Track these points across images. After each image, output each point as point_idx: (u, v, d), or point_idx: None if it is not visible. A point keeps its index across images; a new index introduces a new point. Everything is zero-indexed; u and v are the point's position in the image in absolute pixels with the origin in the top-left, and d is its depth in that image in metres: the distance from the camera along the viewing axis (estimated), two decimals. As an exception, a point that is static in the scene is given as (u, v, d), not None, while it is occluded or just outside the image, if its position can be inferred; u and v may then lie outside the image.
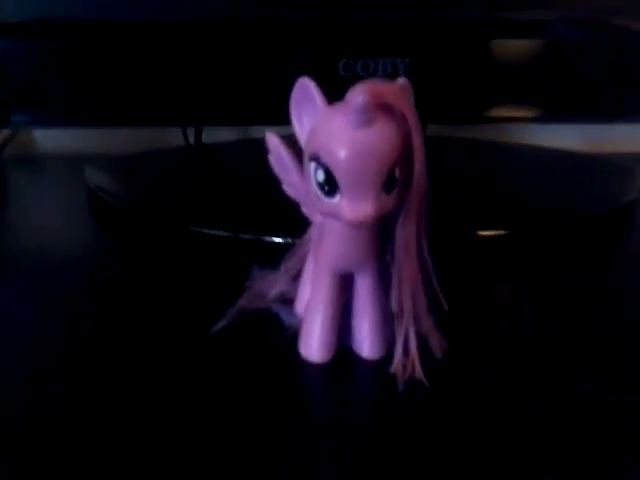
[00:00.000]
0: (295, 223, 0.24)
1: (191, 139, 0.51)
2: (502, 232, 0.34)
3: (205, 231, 0.34)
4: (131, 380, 0.22)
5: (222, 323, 0.25)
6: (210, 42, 0.34)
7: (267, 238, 0.32)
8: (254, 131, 0.57)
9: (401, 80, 0.20)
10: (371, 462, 0.18)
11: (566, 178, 0.45)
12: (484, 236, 0.34)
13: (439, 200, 0.38)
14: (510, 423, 0.20)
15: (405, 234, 0.20)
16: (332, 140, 0.18)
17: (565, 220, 0.36)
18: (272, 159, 0.23)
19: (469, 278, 0.31)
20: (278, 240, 0.32)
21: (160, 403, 0.21)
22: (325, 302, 0.23)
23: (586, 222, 0.37)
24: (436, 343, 0.22)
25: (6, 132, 0.54)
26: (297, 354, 0.23)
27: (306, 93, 0.20)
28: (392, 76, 0.33)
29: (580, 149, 0.55)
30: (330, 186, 0.19)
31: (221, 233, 0.33)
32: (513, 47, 0.35)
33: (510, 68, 0.35)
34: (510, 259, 0.33)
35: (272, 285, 0.26)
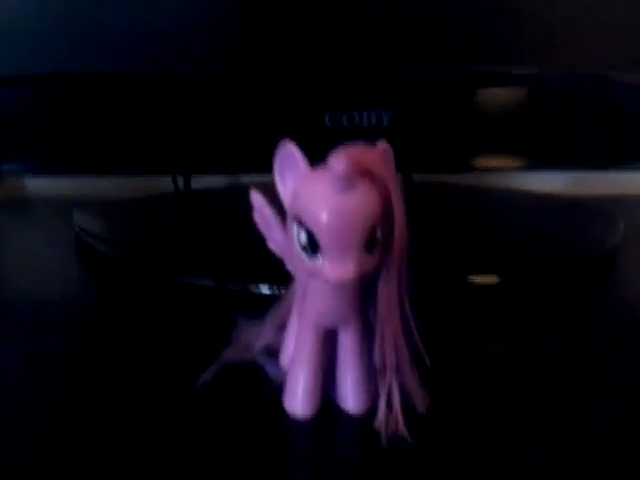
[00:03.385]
0: (283, 273, 0.25)
1: (181, 185, 0.51)
2: (488, 280, 0.34)
3: (193, 281, 0.34)
4: (112, 433, 0.22)
5: (207, 377, 0.25)
6: (198, 94, 0.35)
7: (255, 288, 0.33)
8: (243, 177, 0.57)
9: (381, 145, 0.20)
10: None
11: (553, 223, 0.46)
12: (472, 284, 0.34)
13: (422, 246, 0.39)
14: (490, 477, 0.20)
15: (387, 291, 0.20)
16: (314, 204, 0.19)
17: (550, 267, 0.36)
18: (256, 217, 0.23)
19: (455, 328, 0.31)
20: (266, 291, 0.32)
21: (142, 458, 0.21)
22: (309, 357, 0.23)
23: (569, 268, 0.37)
24: (419, 399, 0.22)
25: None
26: (282, 408, 0.23)
27: (289, 157, 0.20)
28: (376, 127, 0.34)
29: (562, 191, 0.56)
30: (312, 247, 0.19)
31: (209, 283, 0.34)
32: (496, 98, 0.36)
33: (494, 118, 0.36)
34: (499, 307, 0.33)
35: (258, 337, 0.27)
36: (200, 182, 0.52)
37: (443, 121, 0.36)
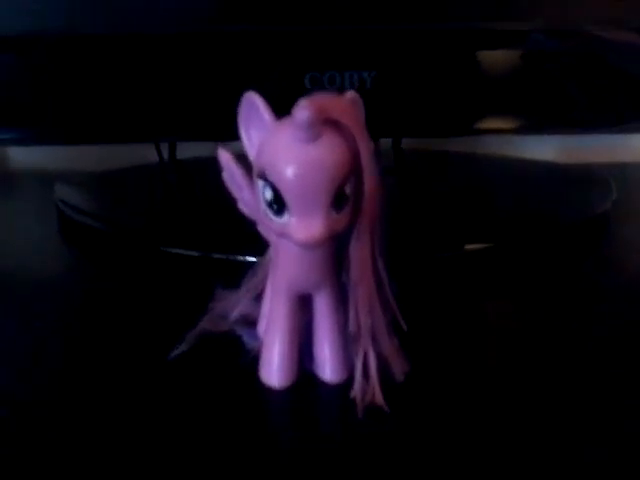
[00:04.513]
0: (264, 242, 0.24)
1: (165, 155, 0.50)
2: (479, 246, 0.33)
3: (175, 251, 0.33)
4: (89, 403, 0.22)
5: (182, 347, 0.24)
6: (180, 57, 0.33)
7: (239, 257, 0.31)
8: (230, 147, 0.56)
9: (350, 93, 0.19)
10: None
11: (544, 189, 0.45)
12: (465, 250, 0.33)
13: (414, 214, 0.38)
14: (474, 449, 0.19)
15: (359, 253, 0.19)
16: (277, 157, 0.17)
17: (544, 231, 0.35)
18: (225, 176, 0.22)
19: (445, 295, 0.30)
20: (251, 259, 0.31)
21: (115, 429, 0.20)
22: (282, 326, 0.22)
23: (563, 232, 0.36)
24: (398, 366, 0.21)
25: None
26: (258, 378, 0.22)
27: (253, 107, 0.19)
28: (359, 89, 0.33)
29: (554, 160, 0.55)
30: (278, 205, 0.18)
31: (192, 253, 0.33)
32: (485, 58, 0.35)
33: (482, 79, 0.35)
34: (489, 273, 0.33)
35: (234, 306, 0.26)
36: (184, 153, 0.51)
37: (429, 83, 0.34)
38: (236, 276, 0.26)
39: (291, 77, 0.33)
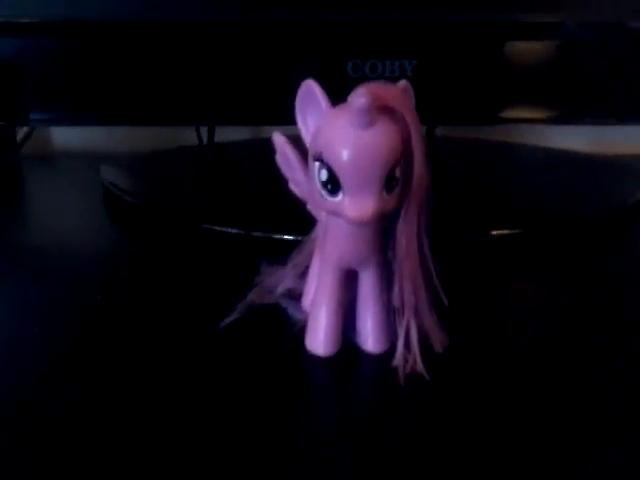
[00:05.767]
0: (304, 221, 0.25)
1: (205, 139, 0.52)
2: (510, 231, 0.34)
3: (217, 229, 0.35)
4: (140, 373, 0.23)
5: (231, 317, 0.26)
6: (223, 43, 0.35)
7: (277, 235, 0.33)
8: (266, 131, 0.57)
9: (402, 83, 0.20)
10: (372, 455, 0.19)
11: (575, 179, 0.46)
12: (495, 235, 0.34)
13: (447, 200, 0.39)
14: (509, 420, 0.21)
15: (406, 232, 0.21)
16: (335, 140, 0.19)
17: (573, 220, 0.36)
18: (278, 158, 0.24)
19: (477, 277, 0.31)
20: (288, 237, 0.33)
21: (169, 395, 0.22)
22: (330, 298, 0.23)
23: (594, 222, 0.37)
24: (437, 339, 0.23)
25: (24, 131, 0.55)
26: (304, 348, 0.24)
27: (311, 95, 0.20)
28: (400, 77, 0.34)
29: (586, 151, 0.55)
30: (333, 185, 0.20)
31: (233, 231, 0.34)
32: (521, 49, 0.36)
33: (519, 69, 0.36)
34: (519, 258, 0.34)
35: (280, 281, 0.27)
36: (223, 137, 0.53)
37: (466, 72, 0.35)
38: (275, 253, 0.27)
39: (334, 64, 0.34)
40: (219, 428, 0.20)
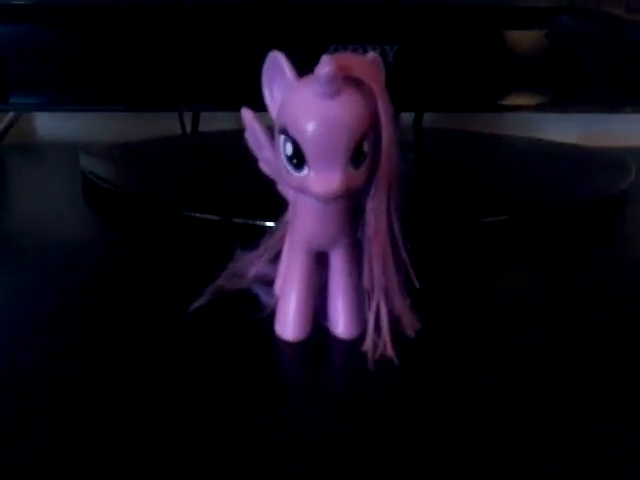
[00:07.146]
0: (282, 207, 0.24)
1: (189, 128, 0.51)
2: (495, 218, 0.34)
3: (197, 215, 0.34)
4: (107, 357, 0.23)
5: (199, 302, 0.25)
6: (203, 27, 0.34)
7: (259, 222, 0.32)
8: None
9: (371, 54, 0.19)
10: (342, 441, 0.18)
11: (562, 168, 0.45)
12: (481, 222, 0.33)
13: (434, 187, 0.38)
14: (481, 406, 0.20)
15: (375, 211, 0.20)
16: (298, 112, 0.18)
17: (560, 208, 0.36)
18: (248, 135, 0.23)
19: (460, 263, 0.31)
20: (270, 224, 0.32)
21: (134, 379, 0.21)
22: (299, 281, 0.23)
23: (580, 210, 0.37)
24: (409, 322, 0.22)
25: (7, 119, 0.54)
26: (273, 333, 0.23)
27: (277, 66, 0.20)
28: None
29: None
30: (298, 159, 0.19)
31: (212, 217, 0.34)
32: (506, 33, 0.35)
33: (504, 54, 0.35)
34: (505, 245, 0.33)
35: (251, 265, 0.26)
36: (207, 126, 0.52)
37: (449, 58, 0.35)
38: (254, 239, 0.26)
39: (314, 49, 0.33)
40: (183, 414, 0.19)
